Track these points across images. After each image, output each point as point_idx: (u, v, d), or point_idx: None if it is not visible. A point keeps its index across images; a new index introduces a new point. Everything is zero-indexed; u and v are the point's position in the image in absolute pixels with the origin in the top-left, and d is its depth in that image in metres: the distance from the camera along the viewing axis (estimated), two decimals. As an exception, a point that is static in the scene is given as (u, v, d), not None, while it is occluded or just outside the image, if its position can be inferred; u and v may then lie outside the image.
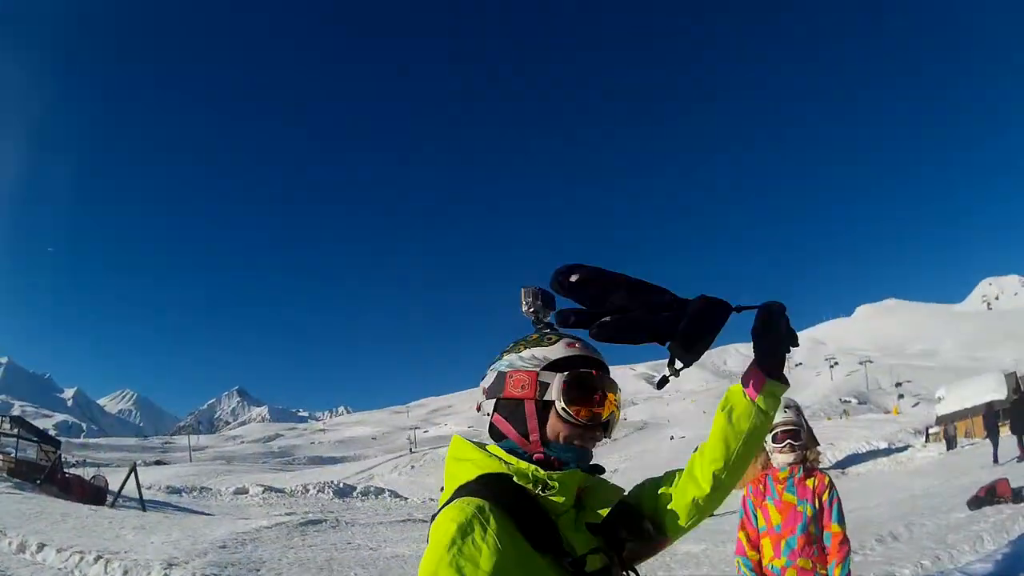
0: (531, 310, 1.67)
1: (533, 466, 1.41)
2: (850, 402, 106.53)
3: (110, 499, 26.93)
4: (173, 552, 11.96)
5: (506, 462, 1.43)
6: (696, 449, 1.68)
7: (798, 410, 4.31)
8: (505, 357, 1.56)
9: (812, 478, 4.25)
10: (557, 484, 1.39)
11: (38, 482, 26.47)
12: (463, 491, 1.38)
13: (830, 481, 4.30)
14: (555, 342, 1.53)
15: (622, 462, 52.88)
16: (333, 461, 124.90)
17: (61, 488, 27.61)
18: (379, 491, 44.04)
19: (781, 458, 4.23)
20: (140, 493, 26.88)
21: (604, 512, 1.57)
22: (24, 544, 11.36)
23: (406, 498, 42.06)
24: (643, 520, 1.57)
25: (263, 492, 44.83)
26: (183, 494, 43.10)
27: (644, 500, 1.65)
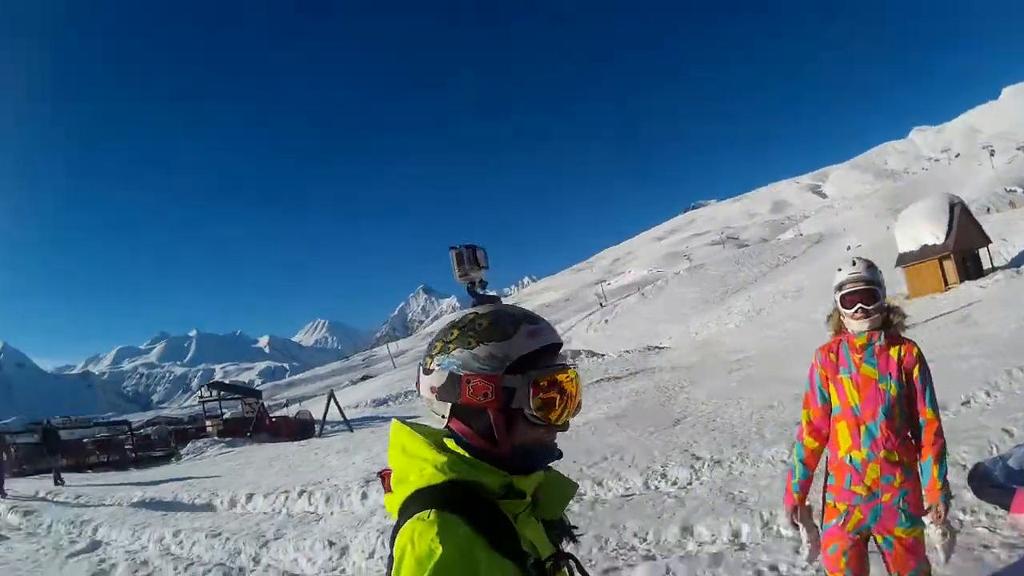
0: (465, 275, 1.59)
1: (502, 473, 1.32)
2: (1015, 191, 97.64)
3: (317, 430, 28.58)
4: (373, 468, 12.04)
5: (471, 466, 1.31)
6: None
7: (870, 265, 3.35)
8: (454, 352, 1.36)
9: (897, 347, 3.26)
10: (525, 489, 1.34)
11: (248, 434, 28.52)
12: (424, 499, 1.27)
13: (919, 352, 3.28)
14: (512, 334, 1.35)
15: (806, 279, 50.20)
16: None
17: (271, 433, 29.71)
18: (575, 353, 44.31)
19: (855, 325, 3.28)
20: (343, 416, 28.31)
21: (557, 505, 1.44)
22: (234, 499, 11.71)
23: (602, 355, 42.12)
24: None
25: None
26: (389, 403, 45.56)
27: None
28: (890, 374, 3.19)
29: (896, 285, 33.67)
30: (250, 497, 11.54)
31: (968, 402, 8.56)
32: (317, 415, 30.28)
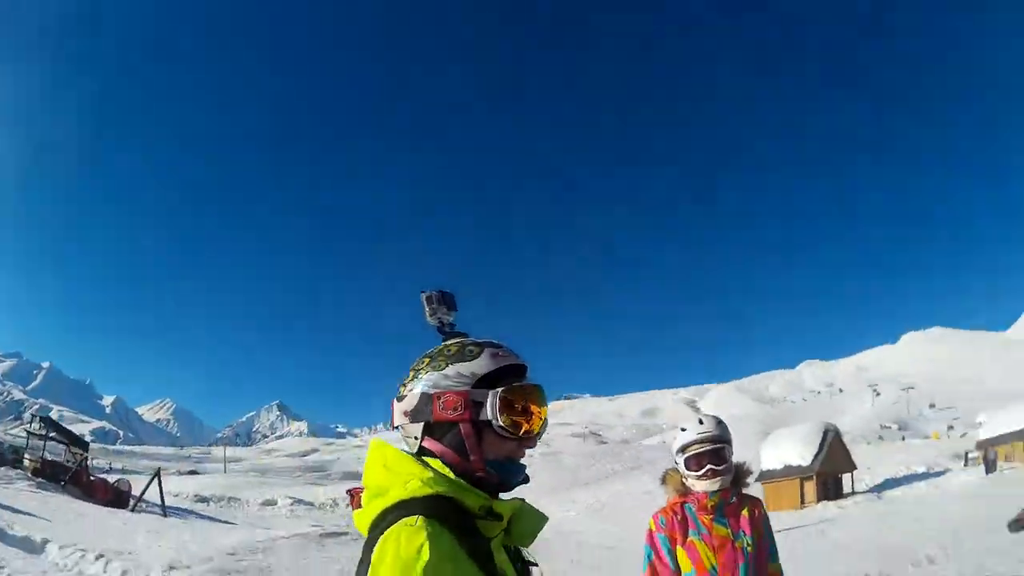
0: (434, 316, 1.65)
1: (483, 495, 1.40)
2: (890, 428, 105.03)
3: (131, 504, 27.03)
4: (177, 556, 11.77)
5: (454, 483, 1.38)
6: None
7: (719, 422, 3.28)
8: (424, 376, 1.48)
9: (747, 504, 3.26)
10: (503, 513, 1.41)
11: (62, 483, 26.66)
12: (410, 508, 1.32)
13: (764, 508, 3.39)
14: (478, 354, 1.48)
15: (658, 485, 51.60)
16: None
17: (85, 490, 27.78)
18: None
19: (704, 485, 3.17)
20: (162, 499, 27.03)
21: (527, 535, 1.50)
22: (29, 538, 11.21)
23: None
24: None
25: (291, 504, 45.07)
26: (210, 503, 43.30)
27: None
28: (742, 531, 3.11)
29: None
30: (45, 543, 11.10)
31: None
32: (136, 491, 28.73)
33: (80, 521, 15.88)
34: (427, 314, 1.65)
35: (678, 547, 3.15)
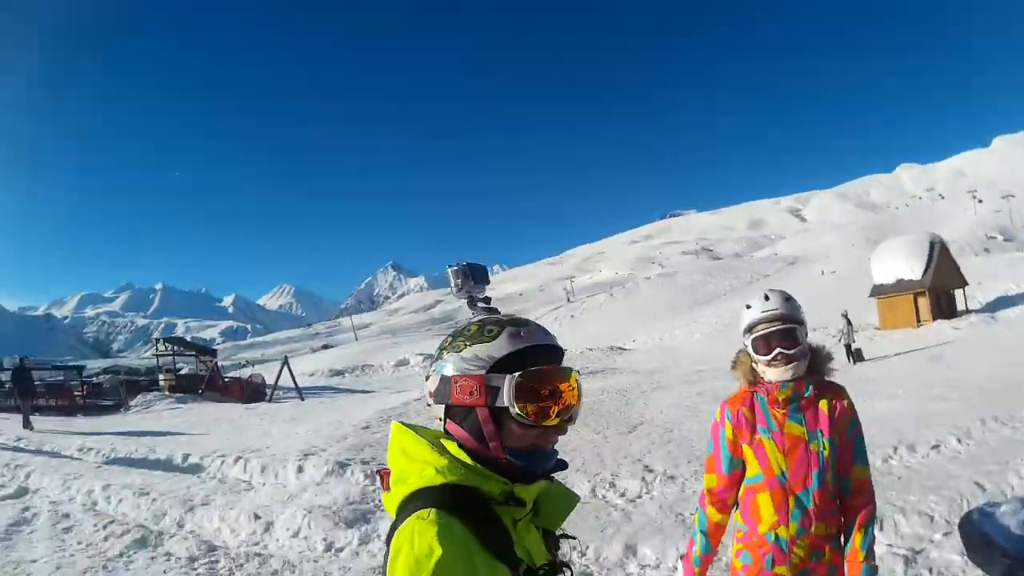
0: (462, 289, 1.74)
1: (503, 480, 1.32)
2: (995, 238, 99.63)
3: (268, 395, 28.09)
4: (314, 440, 11.59)
5: (471, 470, 1.31)
6: None
7: (788, 299, 2.69)
8: (445, 357, 1.40)
9: (827, 397, 2.65)
10: (525, 498, 1.35)
11: (200, 392, 27.87)
12: (424, 498, 1.28)
13: (851, 401, 2.69)
14: (497, 335, 1.37)
15: None
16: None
17: (222, 392, 29.13)
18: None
19: (775, 373, 2.62)
20: (295, 383, 27.82)
21: (557, 517, 1.45)
22: (171, 458, 11.23)
23: (565, 350, 41.99)
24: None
25: (423, 361, 46.05)
26: (345, 375, 45.05)
27: None
28: (820, 431, 2.60)
29: (868, 315, 33.88)
30: (186, 458, 11.05)
31: (938, 446, 8.15)
32: (272, 380, 29.79)
33: (217, 427, 16.13)
34: (454, 289, 1.69)
35: (744, 445, 2.69)
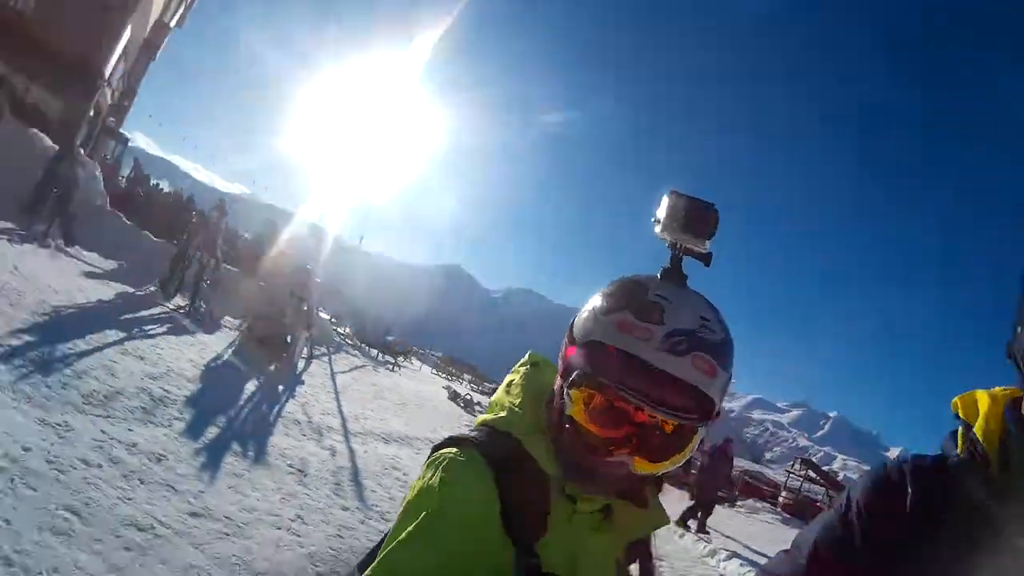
0: (667, 230, 1.10)
1: (559, 469, 1.10)
2: None
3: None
4: None
5: (524, 439, 1.12)
6: None
7: None
8: (598, 296, 1.11)
9: None
10: (577, 498, 1.12)
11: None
12: (479, 434, 1.15)
13: None
14: (609, 311, 1.05)
15: None
16: None
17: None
18: None
19: None
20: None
21: (635, 528, 1.19)
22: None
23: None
24: None
25: None
26: None
27: None
28: None
29: None
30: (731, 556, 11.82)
31: None
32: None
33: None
34: (659, 224, 1.11)
35: None
